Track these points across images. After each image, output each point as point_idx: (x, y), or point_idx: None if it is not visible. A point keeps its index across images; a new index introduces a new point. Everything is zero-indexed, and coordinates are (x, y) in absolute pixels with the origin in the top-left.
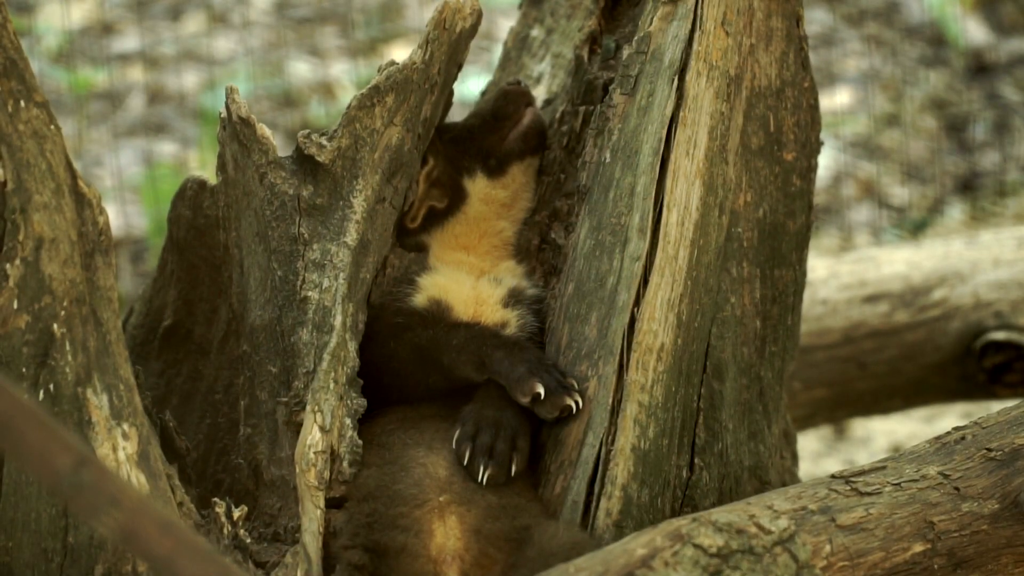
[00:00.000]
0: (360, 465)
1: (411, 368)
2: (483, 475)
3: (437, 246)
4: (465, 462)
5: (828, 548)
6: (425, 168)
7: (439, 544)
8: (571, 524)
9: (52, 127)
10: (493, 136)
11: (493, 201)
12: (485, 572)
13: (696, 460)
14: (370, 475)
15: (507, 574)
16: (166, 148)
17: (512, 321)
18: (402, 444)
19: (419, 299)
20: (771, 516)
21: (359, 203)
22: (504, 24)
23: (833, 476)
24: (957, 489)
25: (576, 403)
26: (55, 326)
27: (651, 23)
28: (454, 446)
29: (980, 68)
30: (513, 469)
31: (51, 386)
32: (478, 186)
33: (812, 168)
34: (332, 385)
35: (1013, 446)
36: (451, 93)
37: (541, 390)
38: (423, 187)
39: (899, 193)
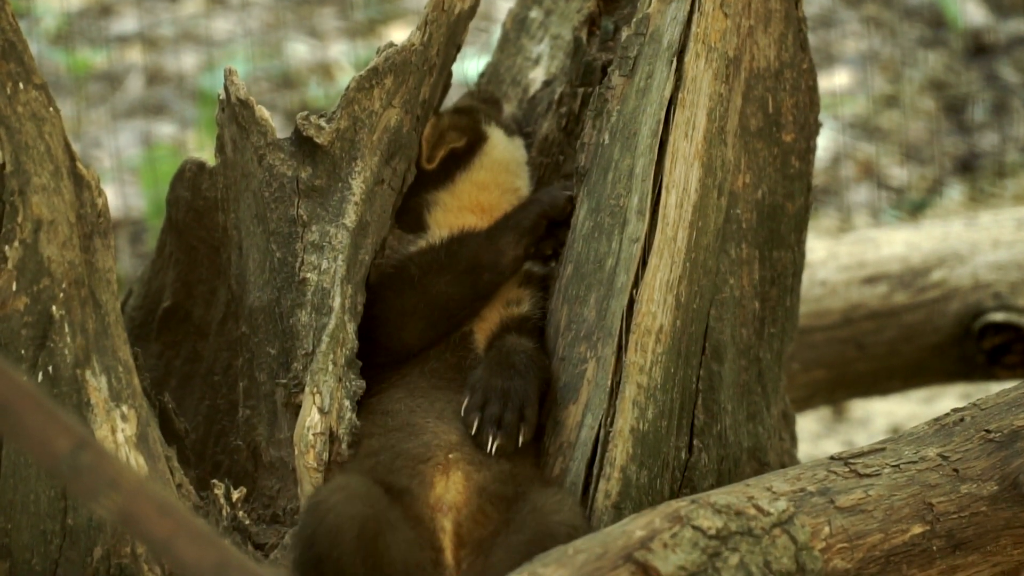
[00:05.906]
0: (361, 436)
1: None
2: (492, 446)
3: (450, 199)
4: (473, 432)
5: (827, 530)
6: (431, 120)
7: (438, 494)
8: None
9: (51, 109)
10: (493, 109)
11: (512, 148)
12: (479, 528)
13: (695, 442)
14: (373, 441)
15: (498, 531)
16: (165, 129)
17: (526, 299)
18: (409, 411)
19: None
20: (770, 498)
21: (358, 185)
22: (503, 5)
23: (832, 458)
24: (956, 471)
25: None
26: (54, 308)
27: (650, 4)
28: (463, 415)
29: (979, 49)
30: (520, 439)
31: (50, 368)
32: (496, 132)
33: (811, 149)
34: (331, 367)
35: (1012, 427)
36: (450, 75)
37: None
38: (431, 131)
39: (898, 174)
